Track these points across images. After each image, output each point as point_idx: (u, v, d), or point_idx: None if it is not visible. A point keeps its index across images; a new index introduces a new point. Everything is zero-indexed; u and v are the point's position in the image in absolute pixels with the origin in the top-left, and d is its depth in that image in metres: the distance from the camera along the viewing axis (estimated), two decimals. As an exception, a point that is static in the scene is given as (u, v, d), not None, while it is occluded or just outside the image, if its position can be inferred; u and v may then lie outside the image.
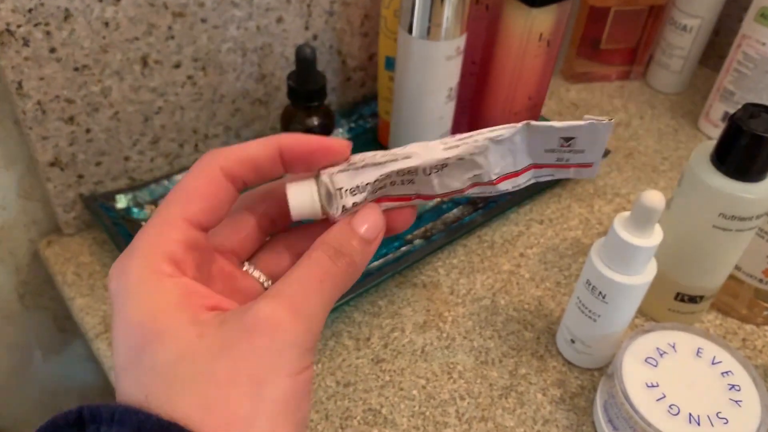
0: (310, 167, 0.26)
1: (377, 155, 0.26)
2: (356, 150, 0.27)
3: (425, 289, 0.56)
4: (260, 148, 0.25)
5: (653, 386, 0.43)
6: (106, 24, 0.51)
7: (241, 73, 0.61)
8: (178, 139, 0.61)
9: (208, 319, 0.23)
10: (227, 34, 0.58)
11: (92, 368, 0.74)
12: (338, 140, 0.26)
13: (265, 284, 0.28)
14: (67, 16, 0.49)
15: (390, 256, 0.58)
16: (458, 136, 0.26)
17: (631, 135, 0.76)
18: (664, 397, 0.42)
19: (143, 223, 0.61)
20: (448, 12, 0.53)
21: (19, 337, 0.67)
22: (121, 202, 0.59)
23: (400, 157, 0.26)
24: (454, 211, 0.63)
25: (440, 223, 0.62)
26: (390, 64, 0.64)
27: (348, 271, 0.25)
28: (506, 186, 0.27)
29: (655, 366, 0.44)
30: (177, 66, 0.57)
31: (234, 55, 0.60)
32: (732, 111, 0.72)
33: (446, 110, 0.60)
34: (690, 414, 0.42)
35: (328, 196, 0.26)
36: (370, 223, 0.26)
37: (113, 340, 0.23)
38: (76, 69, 0.52)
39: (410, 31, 0.55)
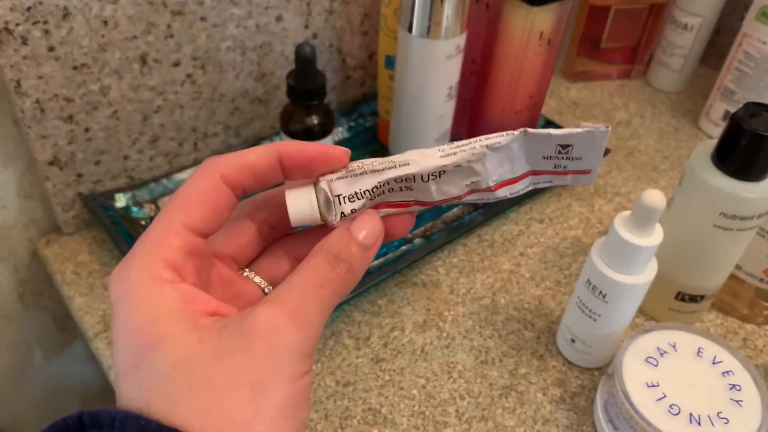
0: (309, 174, 0.26)
1: (375, 162, 0.26)
2: (356, 148, 0.27)
3: (425, 289, 0.56)
4: (260, 155, 0.26)
5: (654, 386, 0.43)
6: (105, 22, 0.51)
7: (241, 71, 0.61)
8: (178, 138, 0.61)
9: (207, 324, 0.23)
10: (226, 33, 0.58)
11: (92, 368, 0.74)
12: (337, 147, 0.26)
13: (266, 289, 0.28)
14: (66, 14, 0.49)
15: (390, 255, 0.58)
16: (456, 143, 0.26)
17: (631, 134, 0.76)
18: (665, 396, 0.42)
19: (142, 222, 0.61)
20: (448, 11, 0.53)
21: (19, 337, 0.67)
22: (121, 201, 0.59)
23: (398, 164, 0.26)
24: (454, 210, 0.63)
25: (440, 222, 0.62)
26: (390, 62, 0.63)
27: (347, 277, 0.25)
28: (504, 192, 0.27)
29: (656, 366, 0.44)
30: (176, 65, 0.57)
31: (233, 53, 0.60)
32: (733, 110, 0.72)
33: (446, 109, 0.60)
34: (690, 414, 0.41)
35: (327, 203, 0.26)
36: (368, 230, 0.26)
37: (114, 346, 0.23)
38: (75, 68, 0.51)
39: (410, 29, 0.55)
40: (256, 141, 0.67)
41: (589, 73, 0.84)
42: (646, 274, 0.44)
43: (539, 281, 0.58)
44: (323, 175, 0.26)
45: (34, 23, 0.48)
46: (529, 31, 0.56)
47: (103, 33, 0.51)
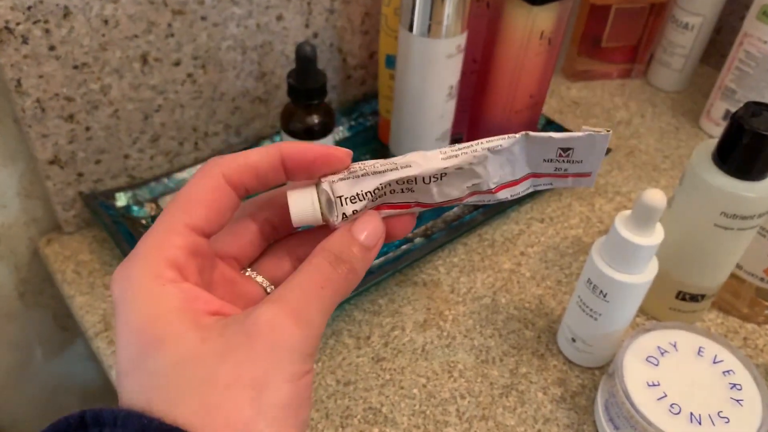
0: (311, 175, 0.26)
1: (377, 164, 0.26)
2: (357, 148, 0.27)
3: (426, 288, 0.56)
4: (262, 156, 0.26)
5: (654, 385, 0.43)
6: (106, 22, 0.51)
7: (241, 71, 0.61)
8: (178, 137, 0.61)
9: (209, 323, 0.23)
10: (227, 32, 0.58)
11: (93, 367, 0.74)
12: (339, 149, 0.26)
13: (268, 289, 0.29)
14: (67, 13, 0.49)
15: (390, 255, 0.58)
16: (457, 145, 0.27)
17: (632, 133, 0.76)
18: (666, 396, 0.42)
19: (143, 221, 0.61)
20: (448, 10, 0.53)
21: (20, 336, 0.67)
22: (121, 200, 0.59)
23: (400, 166, 0.26)
24: (455, 209, 0.63)
25: (441, 221, 0.62)
26: (390, 62, 0.63)
27: (348, 277, 0.25)
28: (505, 194, 0.28)
29: (656, 365, 0.44)
30: (177, 64, 0.57)
31: (234, 53, 0.60)
32: (733, 109, 0.72)
33: (447, 108, 0.60)
34: (691, 413, 0.41)
35: (329, 204, 0.26)
36: (369, 230, 0.26)
37: (116, 345, 0.23)
38: (76, 67, 0.51)
39: (411, 29, 0.55)
40: (257, 140, 0.67)
41: (590, 72, 0.84)
42: (646, 273, 0.44)
43: (540, 280, 0.58)
44: (325, 176, 0.26)
45: (35, 22, 0.48)
46: (529, 31, 0.56)
47: (104, 32, 0.51)
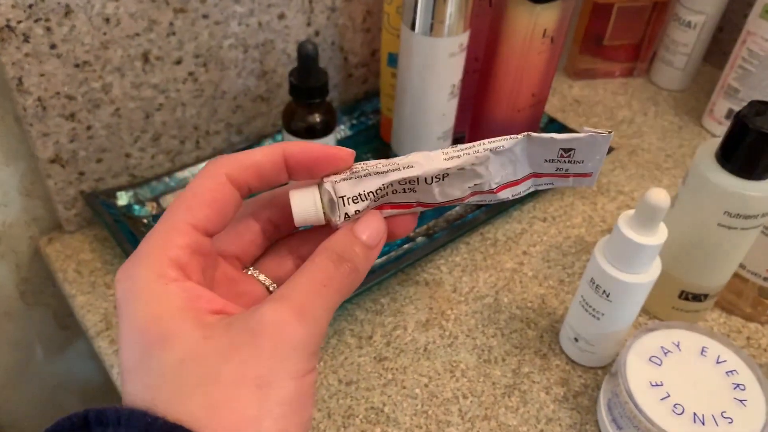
0: (313, 175, 0.27)
1: (379, 164, 0.26)
2: (359, 146, 0.27)
3: (428, 287, 0.56)
4: (265, 156, 0.26)
5: (657, 385, 0.43)
6: (107, 20, 0.51)
7: (243, 69, 0.61)
8: (179, 136, 0.61)
9: (213, 322, 0.23)
10: (229, 31, 0.58)
11: (93, 366, 0.74)
12: (341, 149, 0.26)
13: (270, 287, 0.29)
14: (68, 12, 0.49)
15: (392, 254, 0.58)
16: (459, 146, 0.27)
17: (634, 132, 0.76)
18: (669, 396, 0.42)
19: (144, 220, 0.61)
20: (451, 8, 0.53)
21: (20, 335, 0.67)
22: (122, 199, 0.59)
23: (402, 166, 0.26)
24: (457, 208, 0.62)
25: (443, 220, 0.62)
26: (392, 60, 0.63)
27: (351, 276, 0.25)
28: (506, 194, 0.28)
29: (660, 365, 0.44)
30: (178, 62, 0.57)
31: (235, 51, 0.60)
32: (736, 108, 0.72)
33: (449, 107, 0.60)
34: (694, 413, 0.41)
35: (331, 204, 0.26)
36: (371, 230, 0.26)
37: (120, 344, 0.23)
38: (77, 65, 0.51)
39: (413, 27, 0.55)
40: (258, 139, 0.66)
41: (592, 71, 0.84)
42: (650, 273, 0.44)
43: (542, 280, 0.57)
44: (328, 175, 0.26)
45: (36, 21, 0.48)
46: (532, 29, 0.56)
47: (105, 30, 0.51)
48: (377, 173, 0.26)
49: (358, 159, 0.27)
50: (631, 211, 0.43)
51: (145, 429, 0.20)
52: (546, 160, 0.27)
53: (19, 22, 0.47)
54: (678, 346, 0.45)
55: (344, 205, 0.26)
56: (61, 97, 0.52)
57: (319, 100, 0.55)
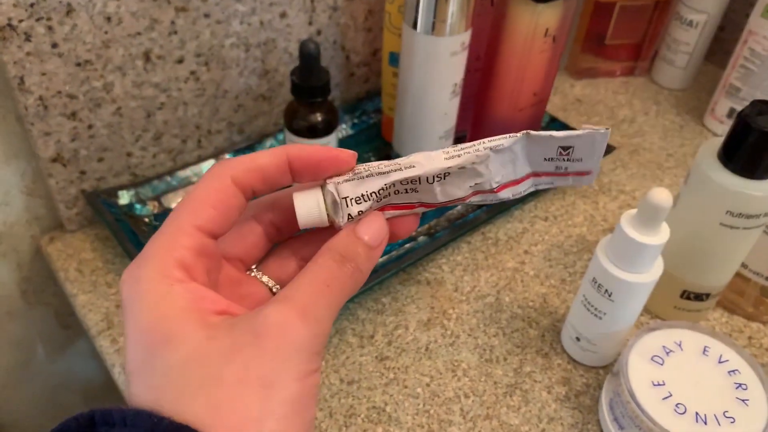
0: (316, 176, 0.27)
1: (381, 165, 0.27)
2: (360, 146, 0.27)
3: (429, 287, 0.56)
4: (269, 158, 0.26)
5: (659, 385, 0.43)
6: (109, 19, 0.51)
7: (245, 68, 0.61)
8: (181, 135, 0.61)
9: (217, 323, 0.23)
10: (230, 30, 0.58)
11: (95, 365, 0.74)
12: (344, 151, 0.27)
13: (274, 289, 0.29)
14: (69, 10, 0.49)
15: (394, 253, 0.58)
16: (460, 145, 0.27)
17: (635, 131, 0.76)
18: (671, 395, 0.42)
19: (146, 219, 0.61)
20: (453, 7, 0.53)
21: (22, 334, 0.67)
22: (124, 198, 0.59)
23: (404, 166, 0.27)
24: (458, 208, 0.62)
25: (444, 220, 0.62)
26: (394, 59, 0.63)
27: (354, 276, 0.25)
28: (507, 194, 0.28)
29: (662, 364, 0.44)
30: (180, 61, 0.57)
31: (237, 50, 0.59)
32: (738, 107, 0.72)
33: (451, 106, 0.60)
34: (696, 413, 0.41)
35: (334, 205, 0.26)
36: (374, 230, 0.26)
37: (125, 345, 0.23)
38: (78, 64, 0.51)
39: (415, 26, 0.55)
40: (260, 138, 0.66)
41: (594, 70, 0.84)
42: (652, 272, 0.44)
43: (544, 279, 0.57)
44: (330, 177, 0.27)
45: (38, 20, 0.47)
46: (534, 28, 0.56)
47: (107, 29, 0.51)
48: (379, 174, 0.26)
49: (359, 158, 0.27)
50: (633, 211, 0.43)
51: (151, 429, 0.20)
52: (545, 159, 0.27)
53: (21, 21, 0.47)
54: (680, 345, 0.45)
55: (347, 206, 0.26)
56: (63, 96, 0.52)
57: (321, 99, 0.55)
